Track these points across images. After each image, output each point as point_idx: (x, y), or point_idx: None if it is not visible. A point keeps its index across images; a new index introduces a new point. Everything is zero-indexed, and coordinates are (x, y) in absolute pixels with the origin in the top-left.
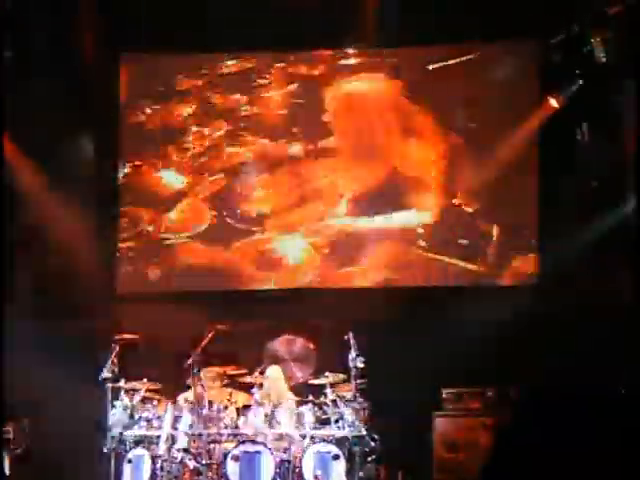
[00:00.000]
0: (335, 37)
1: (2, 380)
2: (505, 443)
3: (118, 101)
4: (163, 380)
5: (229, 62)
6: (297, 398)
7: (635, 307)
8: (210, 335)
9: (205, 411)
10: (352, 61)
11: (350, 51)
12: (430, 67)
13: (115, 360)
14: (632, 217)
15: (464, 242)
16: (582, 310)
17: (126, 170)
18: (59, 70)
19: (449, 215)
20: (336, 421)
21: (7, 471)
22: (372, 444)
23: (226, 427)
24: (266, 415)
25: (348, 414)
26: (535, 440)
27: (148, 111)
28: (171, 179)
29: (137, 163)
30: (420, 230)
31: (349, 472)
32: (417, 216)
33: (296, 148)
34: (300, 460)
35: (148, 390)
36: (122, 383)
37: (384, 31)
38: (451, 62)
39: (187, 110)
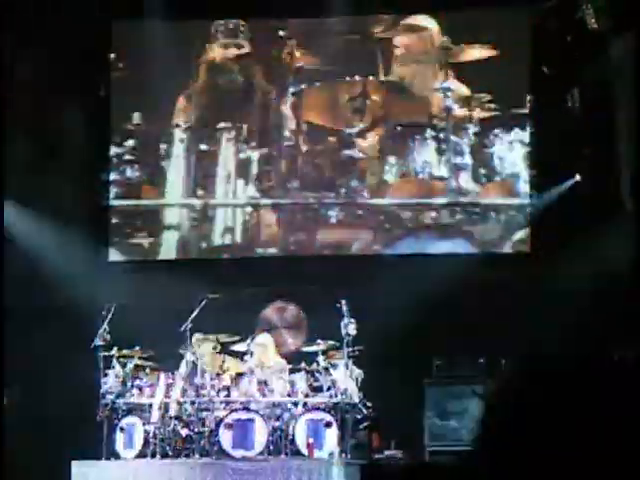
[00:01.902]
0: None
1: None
2: (491, 411)
3: (109, 69)
4: (155, 348)
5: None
6: (289, 366)
7: (630, 276)
8: (202, 303)
9: (198, 379)
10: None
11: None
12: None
13: (107, 328)
14: (624, 184)
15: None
16: (576, 279)
17: (119, 137)
18: (50, 38)
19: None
20: (328, 389)
21: None
22: (364, 411)
23: (218, 395)
24: (259, 383)
25: (340, 381)
26: (521, 407)
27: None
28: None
29: (130, 128)
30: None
31: (341, 439)
32: None
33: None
34: (293, 428)
35: (140, 358)
36: (114, 351)
37: None
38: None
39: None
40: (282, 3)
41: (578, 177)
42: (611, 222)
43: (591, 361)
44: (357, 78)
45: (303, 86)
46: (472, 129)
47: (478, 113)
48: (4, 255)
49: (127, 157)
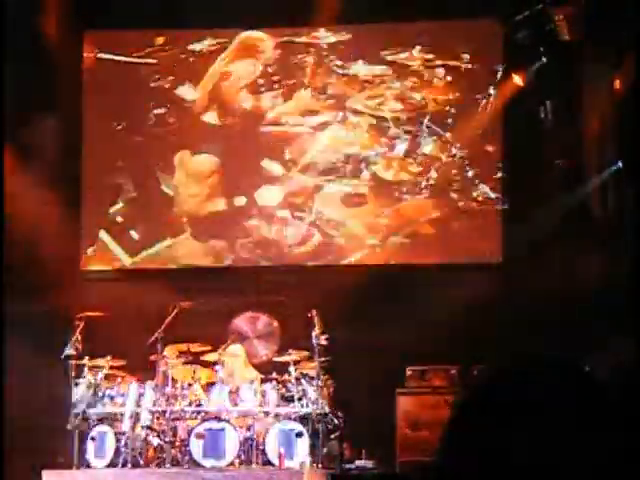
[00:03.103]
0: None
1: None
2: (456, 423)
3: (81, 78)
4: (127, 357)
5: (197, 39)
6: (261, 376)
7: (602, 286)
8: (174, 312)
9: (169, 388)
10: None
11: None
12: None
13: (79, 337)
14: (595, 196)
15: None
16: (547, 290)
17: (90, 147)
18: (22, 49)
19: None
20: (300, 399)
21: None
22: (335, 421)
23: (190, 404)
24: (230, 392)
25: (312, 392)
26: (487, 419)
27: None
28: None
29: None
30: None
31: (312, 449)
32: None
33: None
34: (264, 438)
35: (112, 367)
36: (86, 360)
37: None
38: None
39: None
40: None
41: (549, 187)
42: (582, 232)
43: (554, 371)
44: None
45: None
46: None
47: (451, 121)
48: None
49: None
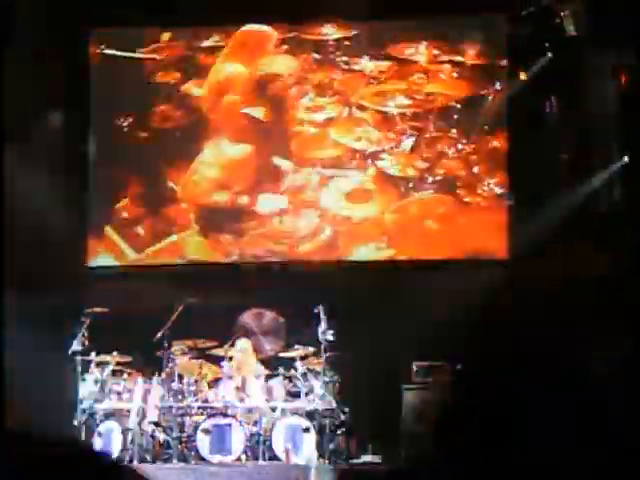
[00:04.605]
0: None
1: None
2: (445, 411)
3: (88, 73)
4: (133, 353)
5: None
6: (267, 371)
7: (606, 281)
8: (180, 308)
9: (175, 384)
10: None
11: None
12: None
13: (85, 333)
14: (602, 190)
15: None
16: (553, 285)
17: (97, 141)
18: (28, 46)
19: None
20: (306, 394)
21: None
22: (342, 417)
23: (196, 400)
24: (236, 388)
25: (318, 387)
26: (472, 407)
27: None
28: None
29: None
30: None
31: (319, 445)
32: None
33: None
34: (270, 433)
35: (118, 363)
36: (92, 356)
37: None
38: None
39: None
40: None
41: (555, 183)
42: (588, 228)
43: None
44: None
45: None
46: (451, 134)
47: (457, 118)
48: None
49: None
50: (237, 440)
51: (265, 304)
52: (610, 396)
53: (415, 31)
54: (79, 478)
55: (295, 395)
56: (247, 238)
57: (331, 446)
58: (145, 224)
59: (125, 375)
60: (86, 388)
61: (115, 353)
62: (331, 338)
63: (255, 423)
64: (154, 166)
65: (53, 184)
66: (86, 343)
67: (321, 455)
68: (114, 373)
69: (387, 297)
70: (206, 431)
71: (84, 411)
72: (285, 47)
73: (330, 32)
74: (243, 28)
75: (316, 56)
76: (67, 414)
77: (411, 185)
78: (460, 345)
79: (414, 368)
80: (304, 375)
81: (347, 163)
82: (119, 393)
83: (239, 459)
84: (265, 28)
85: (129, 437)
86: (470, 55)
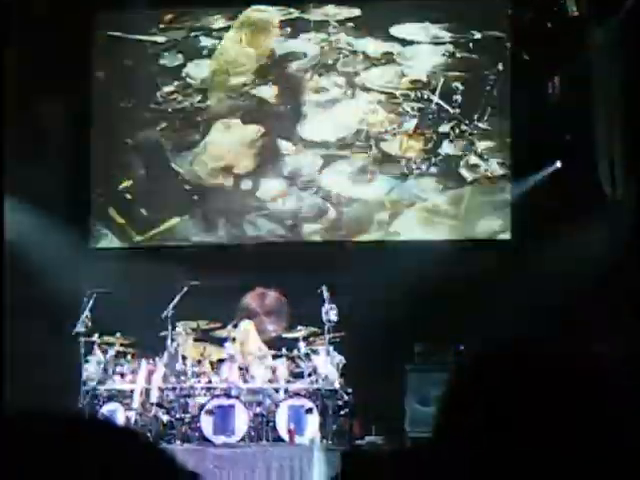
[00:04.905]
0: None
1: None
2: (449, 394)
3: (91, 62)
4: (137, 335)
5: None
6: (270, 352)
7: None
8: (184, 290)
9: (179, 365)
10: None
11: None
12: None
13: (88, 314)
14: (604, 171)
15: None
16: (558, 267)
17: (99, 125)
18: (33, 31)
19: None
20: (309, 375)
21: None
22: (345, 397)
23: (200, 381)
24: (240, 369)
25: (321, 368)
26: (480, 400)
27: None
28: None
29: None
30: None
31: (322, 426)
32: None
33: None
34: (274, 414)
35: (122, 345)
36: (95, 337)
37: None
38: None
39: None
40: None
41: (559, 164)
42: (592, 209)
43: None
44: None
45: None
46: (452, 116)
47: (460, 98)
48: None
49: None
50: (240, 421)
51: (268, 285)
52: (612, 379)
53: (418, 11)
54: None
55: (298, 376)
56: (250, 219)
57: (334, 427)
58: (148, 206)
59: (128, 356)
60: (89, 369)
61: (118, 334)
62: (334, 318)
63: (258, 404)
64: (157, 147)
65: (56, 167)
66: (89, 325)
67: (324, 436)
68: (117, 354)
69: (390, 277)
70: (210, 412)
71: (87, 393)
72: (289, 29)
73: (333, 13)
74: (248, 10)
75: (320, 36)
76: (71, 396)
77: (414, 166)
78: (463, 325)
79: (417, 349)
80: (307, 356)
81: (350, 144)
82: (122, 374)
83: (243, 440)
84: (270, 9)
85: (132, 418)
86: (473, 36)
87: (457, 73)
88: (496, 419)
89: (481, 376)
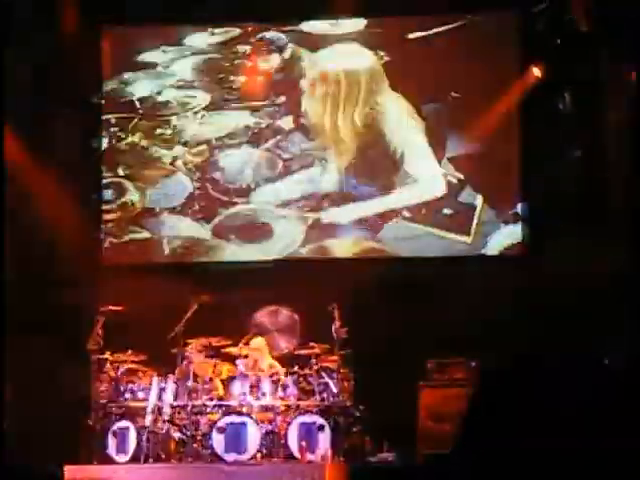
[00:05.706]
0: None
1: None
2: (471, 411)
3: (101, 72)
4: (148, 352)
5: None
6: (282, 369)
7: (621, 278)
8: (195, 306)
9: (190, 383)
10: (332, 31)
11: (330, 21)
12: (410, 36)
13: (100, 331)
14: (616, 185)
15: (449, 212)
16: (568, 280)
17: (110, 141)
18: (40, 43)
19: None
20: (321, 392)
21: None
22: (357, 414)
23: (211, 398)
24: (251, 386)
25: (333, 385)
26: (499, 408)
27: (130, 83)
28: (155, 150)
29: (120, 135)
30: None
31: (334, 443)
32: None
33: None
34: (285, 431)
35: (133, 362)
36: (107, 355)
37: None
38: (433, 32)
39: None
40: None
41: (570, 177)
42: (604, 222)
43: (565, 363)
44: None
45: None
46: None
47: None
48: None
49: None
50: (252, 438)
51: (280, 302)
52: (625, 387)
53: (428, 28)
54: None
55: (310, 393)
56: (260, 236)
57: (346, 444)
58: (160, 221)
59: (140, 374)
60: (101, 387)
61: (130, 351)
62: (345, 335)
63: (270, 421)
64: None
65: (67, 182)
66: (100, 342)
67: (336, 453)
68: (129, 372)
69: (403, 293)
70: (221, 429)
71: (99, 410)
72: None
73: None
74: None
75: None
76: (82, 413)
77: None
78: (476, 342)
79: (429, 365)
80: (318, 373)
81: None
82: (134, 392)
83: (254, 457)
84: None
85: (144, 436)
86: (483, 51)
87: (467, 89)
88: (518, 433)
89: (502, 391)
